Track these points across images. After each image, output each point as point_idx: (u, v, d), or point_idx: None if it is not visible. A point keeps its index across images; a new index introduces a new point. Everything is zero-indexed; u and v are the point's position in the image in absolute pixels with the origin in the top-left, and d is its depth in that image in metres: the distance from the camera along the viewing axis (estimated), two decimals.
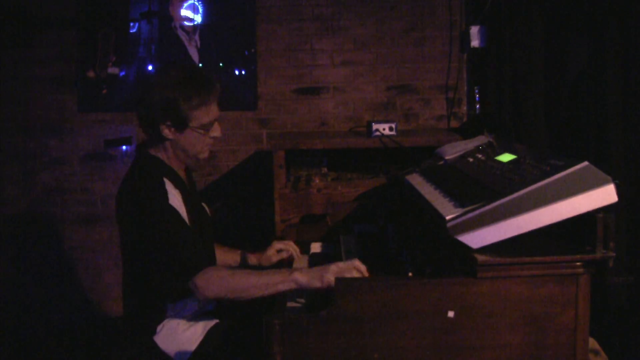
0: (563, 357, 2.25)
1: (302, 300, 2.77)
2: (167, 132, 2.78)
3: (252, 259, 3.30)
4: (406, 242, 2.91)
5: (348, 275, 2.52)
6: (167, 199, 2.67)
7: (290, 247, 3.29)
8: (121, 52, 4.75)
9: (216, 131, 2.88)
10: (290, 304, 2.74)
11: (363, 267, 2.56)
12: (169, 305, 2.79)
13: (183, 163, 2.93)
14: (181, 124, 2.77)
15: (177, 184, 2.80)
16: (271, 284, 2.57)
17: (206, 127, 2.82)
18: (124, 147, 4.81)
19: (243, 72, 4.75)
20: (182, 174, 2.94)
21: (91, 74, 4.75)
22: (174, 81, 2.75)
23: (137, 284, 2.81)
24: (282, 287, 2.57)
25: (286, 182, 3.76)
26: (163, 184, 2.71)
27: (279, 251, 3.28)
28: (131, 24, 4.74)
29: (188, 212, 2.78)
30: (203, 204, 3.10)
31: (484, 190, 2.35)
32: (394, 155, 3.92)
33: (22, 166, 4.81)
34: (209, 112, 2.81)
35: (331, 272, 2.52)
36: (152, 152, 2.87)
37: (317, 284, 2.53)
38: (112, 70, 4.75)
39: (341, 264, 2.57)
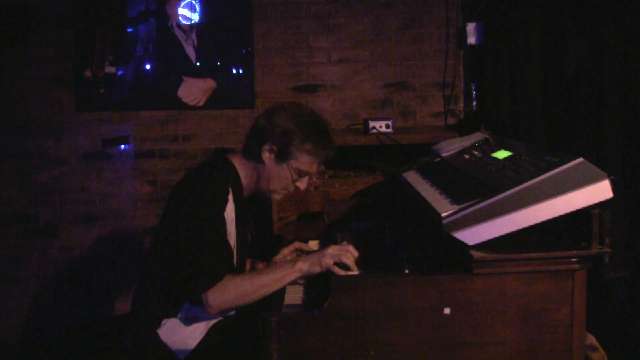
0: (559, 353, 2.26)
1: (302, 281, 2.85)
2: (266, 154, 2.83)
3: (260, 267, 3.30)
4: (403, 239, 2.91)
5: (344, 258, 2.62)
6: (224, 209, 2.72)
7: (295, 246, 3.31)
8: (118, 51, 4.75)
9: (303, 184, 2.94)
10: (289, 294, 2.77)
11: (356, 253, 2.67)
12: (185, 306, 2.80)
13: (255, 188, 2.95)
14: (281, 157, 2.82)
15: (238, 201, 2.83)
16: (278, 279, 2.64)
17: (299, 174, 2.87)
18: (122, 146, 4.81)
19: (240, 71, 4.75)
20: (246, 193, 2.96)
21: (88, 73, 4.75)
22: (306, 120, 2.83)
23: (158, 275, 2.82)
24: (289, 278, 2.65)
25: None
26: (227, 193, 2.76)
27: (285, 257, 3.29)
28: (128, 23, 4.74)
29: (236, 230, 2.82)
30: (247, 232, 3.10)
31: (480, 187, 2.36)
32: (391, 152, 3.93)
33: (20, 166, 4.81)
34: (311, 165, 2.87)
35: (328, 256, 2.63)
36: (234, 160, 2.91)
37: (316, 269, 2.63)
38: (109, 69, 4.75)
39: (336, 247, 2.69)
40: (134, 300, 2.91)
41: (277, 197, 2.97)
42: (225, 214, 2.72)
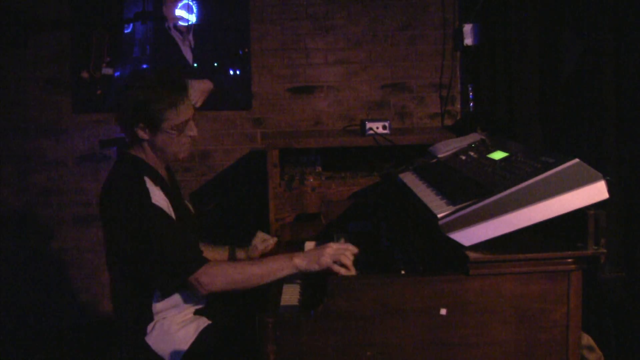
0: (555, 353, 2.26)
1: (299, 281, 2.86)
2: (141, 133, 2.83)
3: (241, 254, 3.36)
4: (399, 240, 2.92)
5: (343, 258, 2.64)
6: (149, 198, 2.71)
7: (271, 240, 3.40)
8: (115, 52, 4.75)
9: (192, 130, 2.91)
10: (285, 295, 2.77)
11: (355, 250, 2.69)
12: (155, 305, 2.81)
13: (163, 162, 2.97)
14: (154, 126, 2.81)
15: (158, 182, 2.83)
16: (273, 271, 2.68)
17: (179, 128, 2.85)
18: (118, 148, 4.81)
19: (237, 72, 4.75)
20: (163, 172, 2.97)
21: (85, 74, 4.75)
22: (145, 83, 2.81)
23: (124, 285, 2.84)
24: (283, 273, 2.69)
25: (280, 181, 3.77)
26: (144, 183, 2.75)
27: (264, 241, 3.38)
28: (125, 25, 4.74)
29: (173, 209, 2.82)
30: (186, 203, 3.12)
31: (476, 187, 2.36)
32: (388, 153, 3.93)
33: (17, 167, 4.81)
34: (181, 113, 2.83)
35: (327, 255, 2.65)
36: (132, 152, 2.91)
37: (314, 267, 2.67)
38: (106, 70, 4.75)
39: (335, 246, 2.71)
40: (114, 311, 2.93)
41: (182, 155, 2.95)
42: (155, 201, 2.72)
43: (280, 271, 2.68)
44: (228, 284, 2.67)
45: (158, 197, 2.74)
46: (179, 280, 2.68)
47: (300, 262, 2.67)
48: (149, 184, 2.76)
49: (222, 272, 2.67)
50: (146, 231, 2.65)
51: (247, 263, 2.78)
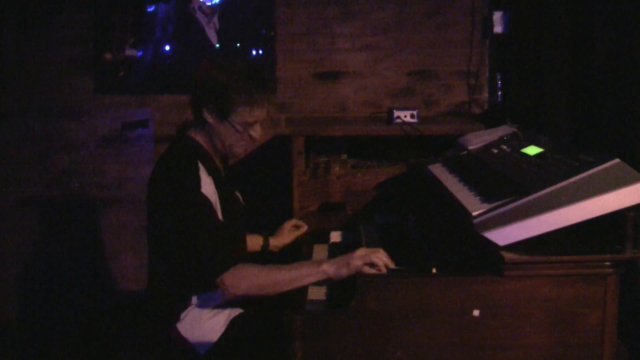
0: (590, 358, 2.21)
1: (324, 288, 2.78)
2: (208, 115, 2.79)
3: (274, 242, 3.37)
4: (428, 235, 2.87)
5: (374, 258, 2.52)
6: (199, 186, 2.67)
7: (292, 223, 3.44)
8: (138, 33, 4.71)
9: (255, 132, 2.87)
10: (312, 289, 2.73)
11: (387, 260, 2.54)
12: (194, 295, 2.79)
13: (219, 151, 2.92)
14: (223, 113, 2.77)
15: (211, 171, 2.80)
16: (300, 278, 2.59)
17: (245, 125, 2.81)
18: (140, 130, 4.78)
19: (260, 52, 4.70)
20: (217, 160, 2.94)
21: (108, 55, 4.72)
22: (233, 70, 2.77)
23: (163, 269, 2.80)
24: (311, 279, 2.60)
25: (305, 169, 3.72)
26: (197, 170, 2.71)
27: (295, 227, 3.43)
28: (148, 5, 4.70)
29: (220, 200, 2.78)
30: (237, 193, 3.10)
31: (511, 185, 2.31)
32: (415, 142, 3.87)
33: (38, 148, 4.80)
34: (254, 113, 2.79)
35: (357, 257, 2.54)
36: (191, 134, 2.88)
37: (344, 271, 2.54)
38: (130, 51, 4.72)
39: (366, 250, 2.58)
40: (148, 295, 2.89)
41: (238, 151, 2.91)
42: (204, 190, 2.68)
43: (308, 277, 2.59)
44: (253, 289, 2.61)
45: (208, 187, 2.71)
46: (206, 280, 2.63)
47: (328, 268, 2.57)
48: (202, 171, 2.72)
49: (247, 276, 2.60)
50: (187, 222, 2.62)
51: (275, 268, 2.67)
